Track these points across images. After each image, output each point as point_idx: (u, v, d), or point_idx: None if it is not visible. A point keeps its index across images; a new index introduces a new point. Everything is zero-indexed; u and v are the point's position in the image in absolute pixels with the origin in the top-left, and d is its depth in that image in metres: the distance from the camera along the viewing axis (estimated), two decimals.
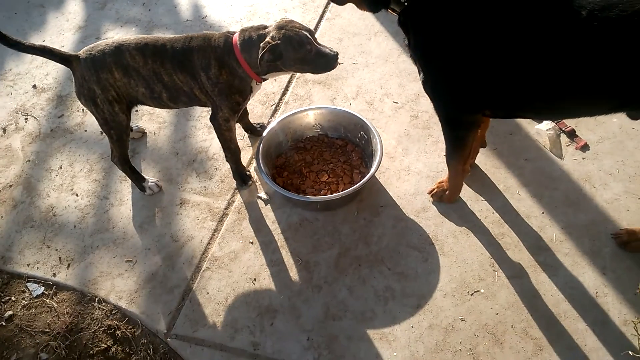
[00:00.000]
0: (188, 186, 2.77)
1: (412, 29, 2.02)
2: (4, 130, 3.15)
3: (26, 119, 3.20)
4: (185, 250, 2.54)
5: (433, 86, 2.12)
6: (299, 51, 2.23)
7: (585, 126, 2.77)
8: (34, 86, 3.38)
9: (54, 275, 2.51)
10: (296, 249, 2.49)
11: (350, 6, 2.14)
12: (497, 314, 2.21)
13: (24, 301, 2.46)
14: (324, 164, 2.73)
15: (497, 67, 1.91)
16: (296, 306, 2.32)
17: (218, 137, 2.55)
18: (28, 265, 2.56)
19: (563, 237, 2.40)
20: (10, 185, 2.88)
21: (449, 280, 2.32)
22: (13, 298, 2.47)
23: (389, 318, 2.25)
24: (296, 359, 2.18)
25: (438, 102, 2.18)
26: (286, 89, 3.17)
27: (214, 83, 2.35)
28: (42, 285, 2.50)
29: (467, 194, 2.59)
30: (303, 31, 2.25)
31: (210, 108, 2.50)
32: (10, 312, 2.42)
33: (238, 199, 2.70)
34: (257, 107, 3.08)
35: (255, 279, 2.41)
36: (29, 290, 2.49)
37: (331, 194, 2.57)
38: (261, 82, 2.43)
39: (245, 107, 2.72)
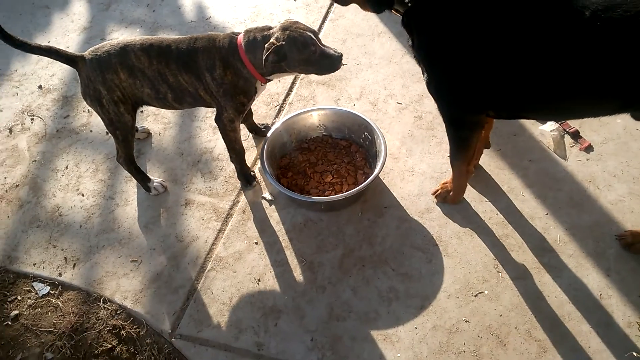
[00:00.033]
0: (193, 186, 2.79)
1: (415, 30, 2.03)
2: (10, 131, 3.17)
3: (32, 119, 3.22)
4: (190, 250, 2.55)
5: (437, 87, 2.13)
6: (303, 52, 2.24)
7: (590, 127, 2.77)
8: (40, 87, 3.40)
9: (60, 275, 2.53)
10: (300, 250, 2.50)
11: (353, 7, 2.15)
12: (500, 315, 2.21)
13: (29, 301, 2.47)
14: (328, 164, 2.74)
15: (500, 68, 1.91)
16: (300, 307, 2.33)
17: (223, 138, 2.56)
18: (34, 264, 2.57)
19: (567, 238, 2.40)
20: (17, 185, 2.89)
21: (453, 281, 2.33)
22: (19, 297, 2.49)
23: (392, 319, 2.25)
24: (300, 359, 2.19)
25: (442, 103, 2.19)
26: (290, 89, 3.18)
27: (218, 84, 2.35)
28: (48, 285, 2.51)
29: (471, 195, 2.59)
30: (307, 32, 2.25)
31: (214, 109, 2.51)
32: (16, 312, 2.43)
33: (242, 199, 2.71)
34: (262, 108, 3.09)
35: (259, 280, 2.42)
36: (34, 289, 2.50)
37: (335, 194, 2.57)
38: (266, 83, 2.44)
39: (250, 108, 2.73)
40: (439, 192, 2.58)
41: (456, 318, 2.23)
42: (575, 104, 2.00)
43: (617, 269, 2.28)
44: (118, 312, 2.40)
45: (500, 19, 1.83)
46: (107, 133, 2.99)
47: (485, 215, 2.51)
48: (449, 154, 2.40)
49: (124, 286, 2.46)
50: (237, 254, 2.51)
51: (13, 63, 3.57)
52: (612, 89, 1.86)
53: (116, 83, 2.38)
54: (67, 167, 2.94)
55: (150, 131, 3.05)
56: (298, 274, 2.42)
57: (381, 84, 3.14)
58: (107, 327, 2.35)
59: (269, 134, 2.73)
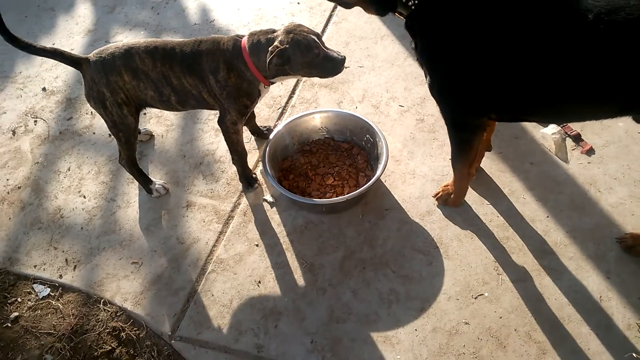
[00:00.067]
0: (194, 188, 2.79)
1: (419, 33, 2.03)
2: (14, 133, 3.19)
3: (35, 121, 3.23)
4: (190, 252, 2.55)
5: (440, 89, 2.13)
6: (307, 55, 2.24)
7: (591, 130, 2.77)
8: (44, 89, 3.42)
9: (60, 276, 2.53)
10: (301, 252, 2.50)
11: (356, 10, 2.15)
12: (500, 317, 2.21)
13: (29, 302, 2.48)
14: (330, 167, 2.74)
15: (503, 71, 1.91)
16: (300, 309, 2.33)
17: (225, 140, 2.57)
18: (35, 266, 2.58)
19: (568, 241, 2.40)
20: (19, 187, 2.91)
21: (453, 283, 2.33)
22: (19, 299, 2.49)
23: (392, 321, 2.25)
24: None
25: (444, 106, 2.19)
26: (293, 92, 3.18)
27: (222, 86, 2.36)
28: (48, 287, 2.52)
29: (472, 197, 2.59)
30: (311, 35, 2.26)
31: (217, 111, 2.51)
32: (16, 314, 2.44)
33: (244, 201, 2.71)
34: (264, 111, 3.10)
35: (260, 282, 2.42)
36: (35, 291, 2.51)
37: (337, 197, 2.57)
38: (269, 86, 2.45)
39: (253, 111, 2.73)
40: (440, 194, 2.58)
41: (456, 320, 2.22)
42: (577, 107, 2.00)
43: (618, 271, 2.28)
44: (118, 314, 2.40)
45: (503, 22, 1.83)
46: (109, 135, 3.01)
47: (486, 218, 2.51)
48: (450, 157, 2.41)
49: (125, 288, 2.46)
50: (237, 256, 2.51)
51: (17, 65, 3.60)
52: (614, 91, 1.86)
53: (120, 85, 2.39)
54: (69, 169, 2.95)
55: (153, 133, 3.06)
56: (298, 276, 2.43)
57: (383, 87, 3.14)
58: (107, 329, 2.36)
59: (271, 136, 2.74)
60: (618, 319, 2.15)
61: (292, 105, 3.12)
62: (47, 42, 3.69)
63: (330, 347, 2.20)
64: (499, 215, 2.51)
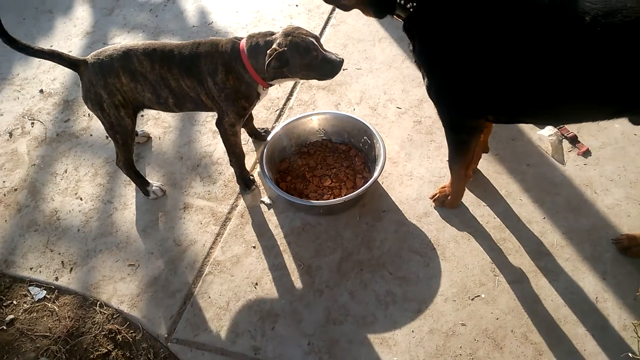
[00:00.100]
0: (192, 190, 2.79)
1: (417, 35, 2.03)
2: (10, 135, 3.19)
3: (32, 123, 3.23)
4: (187, 254, 2.55)
5: (437, 91, 2.13)
6: (305, 57, 2.25)
7: (588, 132, 2.77)
8: (41, 91, 3.42)
9: (56, 279, 2.53)
10: (298, 254, 2.50)
11: (355, 13, 2.16)
12: (497, 318, 2.21)
13: (25, 305, 2.47)
14: (327, 168, 2.74)
15: (501, 73, 1.92)
16: (297, 310, 2.32)
17: (223, 142, 2.57)
18: (31, 269, 2.58)
19: (564, 242, 2.40)
20: (15, 189, 2.90)
21: (450, 285, 2.33)
22: (15, 302, 2.49)
23: (389, 322, 2.25)
24: None
25: (442, 107, 2.19)
26: (290, 94, 3.19)
27: (220, 88, 2.36)
28: (44, 289, 2.51)
29: (469, 199, 2.59)
30: (309, 38, 2.26)
31: (215, 113, 2.52)
32: (11, 316, 2.43)
33: (241, 203, 2.71)
34: (262, 112, 3.10)
35: (257, 284, 2.42)
36: (30, 294, 2.50)
37: (334, 198, 2.58)
38: (268, 88, 2.45)
39: (251, 113, 2.73)
40: (437, 196, 2.59)
41: (453, 321, 2.22)
42: (574, 109, 2.01)
43: (613, 272, 2.28)
44: (114, 317, 2.39)
45: (501, 24, 1.84)
46: (107, 137, 3.01)
47: (482, 219, 2.51)
48: (447, 158, 2.41)
49: (121, 290, 2.46)
50: (234, 257, 2.51)
51: (15, 67, 3.60)
52: (611, 93, 1.87)
53: (117, 87, 2.39)
54: (66, 171, 2.95)
55: (150, 135, 3.06)
56: (296, 277, 2.42)
57: (381, 89, 3.15)
58: (103, 331, 2.35)
59: (268, 138, 2.74)
60: (614, 319, 2.15)
61: (289, 107, 3.12)
62: (45, 44, 3.66)
63: (328, 349, 2.20)
64: (496, 216, 2.52)
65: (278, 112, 3.10)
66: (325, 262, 2.46)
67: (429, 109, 2.95)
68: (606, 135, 2.75)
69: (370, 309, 2.29)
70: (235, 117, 2.45)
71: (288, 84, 3.21)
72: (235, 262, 2.50)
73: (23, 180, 2.94)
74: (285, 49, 2.22)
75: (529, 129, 2.83)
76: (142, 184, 2.74)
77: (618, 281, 2.25)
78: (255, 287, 2.41)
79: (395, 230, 2.53)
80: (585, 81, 1.83)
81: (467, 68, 1.96)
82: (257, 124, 2.96)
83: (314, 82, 3.17)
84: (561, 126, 2.78)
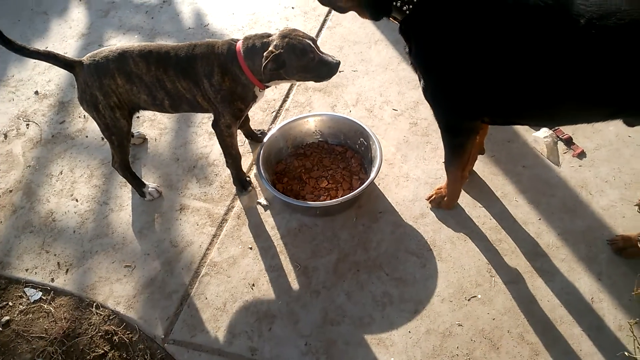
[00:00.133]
0: (188, 192, 2.79)
1: (413, 37, 2.04)
2: (5, 136, 3.18)
3: (27, 124, 3.22)
4: (184, 255, 2.55)
5: (433, 93, 2.14)
6: (302, 59, 2.25)
7: (582, 134, 2.79)
8: (36, 92, 3.41)
9: (52, 280, 2.52)
10: (295, 255, 2.50)
11: (351, 15, 2.16)
12: (493, 319, 2.22)
13: (21, 306, 2.46)
14: (324, 170, 2.75)
15: (496, 75, 1.93)
16: (294, 311, 2.32)
17: (220, 143, 2.57)
18: (26, 270, 2.57)
19: (559, 243, 2.41)
20: (10, 191, 2.89)
21: (447, 285, 2.33)
22: (10, 303, 2.48)
23: (386, 323, 2.25)
24: None
25: (438, 109, 2.20)
26: (287, 96, 3.19)
27: (216, 90, 2.36)
28: (40, 291, 2.50)
29: (465, 200, 2.60)
30: (306, 39, 2.27)
31: (211, 114, 2.52)
32: (7, 318, 2.42)
33: (238, 204, 2.71)
34: (258, 114, 3.10)
35: (253, 285, 2.42)
36: (26, 295, 2.50)
37: (330, 200, 2.58)
38: (264, 89, 2.45)
39: (247, 114, 2.73)
40: (433, 197, 2.59)
41: (449, 322, 2.23)
42: (569, 111, 2.02)
43: (609, 273, 2.29)
44: (111, 318, 2.39)
45: (497, 26, 1.85)
46: (102, 138, 3.00)
47: (478, 220, 2.52)
48: (443, 160, 2.41)
49: (117, 291, 2.45)
50: (231, 259, 2.51)
51: (10, 68, 3.59)
52: (606, 95, 1.88)
53: (113, 89, 2.38)
54: (61, 173, 2.94)
55: (146, 136, 3.05)
56: (292, 278, 2.43)
57: (377, 91, 3.15)
58: (100, 332, 2.34)
59: (265, 140, 2.74)
60: (610, 320, 2.16)
61: (286, 108, 3.13)
62: (40, 46, 3.66)
63: (324, 350, 2.20)
64: (492, 217, 2.53)
65: (274, 113, 3.10)
66: (322, 263, 2.46)
67: (425, 111, 2.96)
68: (601, 137, 2.77)
69: (367, 310, 2.30)
70: (231, 119, 2.45)
71: (284, 85, 3.21)
72: (232, 263, 2.49)
73: (18, 182, 2.93)
74: (282, 51, 2.22)
75: (524, 131, 2.84)
76: (138, 185, 2.73)
77: (613, 282, 2.26)
78: (252, 288, 2.41)
79: (391, 232, 2.53)
80: (581, 83, 1.85)
81: (463, 70, 1.97)
82: (254, 125, 2.96)
83: (311, 84, 3.18)
84: (556, 128, 2.79)
